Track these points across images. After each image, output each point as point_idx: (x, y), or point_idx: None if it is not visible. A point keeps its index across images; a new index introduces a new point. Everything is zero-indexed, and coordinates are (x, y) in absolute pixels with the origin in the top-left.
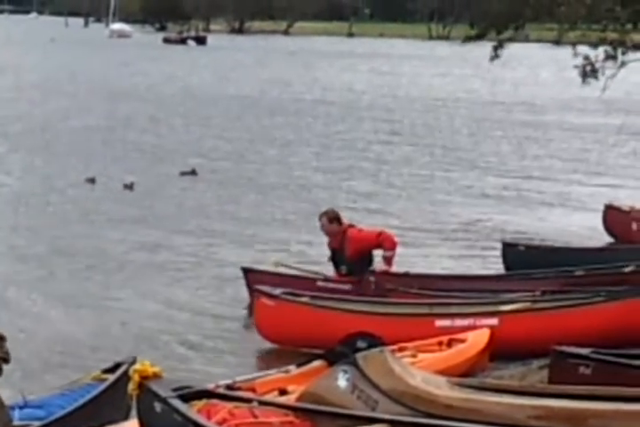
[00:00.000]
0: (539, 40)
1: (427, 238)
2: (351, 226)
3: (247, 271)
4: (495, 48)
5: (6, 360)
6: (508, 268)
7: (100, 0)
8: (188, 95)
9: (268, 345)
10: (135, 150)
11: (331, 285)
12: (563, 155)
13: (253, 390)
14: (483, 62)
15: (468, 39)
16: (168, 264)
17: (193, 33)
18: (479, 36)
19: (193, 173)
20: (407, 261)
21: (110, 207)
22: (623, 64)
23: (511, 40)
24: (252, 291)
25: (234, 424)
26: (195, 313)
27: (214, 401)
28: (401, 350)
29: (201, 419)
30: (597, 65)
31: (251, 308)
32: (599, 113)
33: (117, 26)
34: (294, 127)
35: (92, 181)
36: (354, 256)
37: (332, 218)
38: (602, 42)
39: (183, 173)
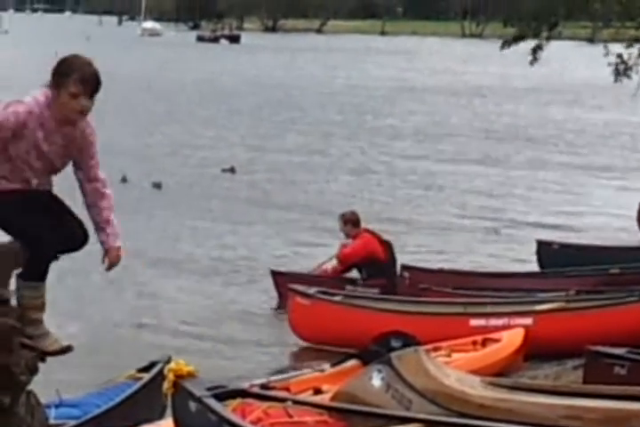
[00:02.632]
0: (572, 38)
1: (461, 235)
2: (367, 230)
3: (275, 274)
4: (534, 51)
5: (42, 359)
6: (542, 266)
7: None
8: (227, 92)
9: (302, 344)
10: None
11: (359, 289)
12: (600, 153)
13: (288, 389)
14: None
15: (507, 44)
16: (201, 263)
17: (226, 31)
18: (517, 39)
19: (232, 170)
20: (441, 257)
21: (143, 204)
22: None
23: (548, 39)
24: (280, 292)
25: (268, 424)
26: (228, 313)
27: (249, 400)
28: (435, 349)
29: (236, 418)
30: (630, 62)
31: (278, 309)
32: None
33: (149, 24)
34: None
35: (124, 179)
36: (363, 260)
37: (347, 220)
38: (636, 40)
39: (224, 171)
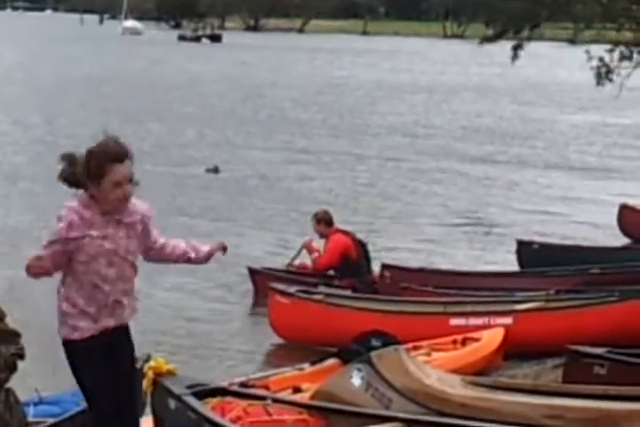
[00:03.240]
0: (553, 39)
1: (442, 235)
2: (337, 231)
3: (253, 271)
4: (515, 49)
5: (21, 356)
6: (522, 266)
7: None
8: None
9: (282, 343)
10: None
11: (332, 289)
12: (581, 153)
13: (267, 387)
14: (497, 59)
15: (485, 40)
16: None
17: (208, 31)
18: (496, 37)
19: (215, 170)
20: (423, 257)
21: None
22: (639, 64)
23: (528, 39)
24: (257, 290)
25: (248, 422)
26: (208, 310)
27: (228, 399)
28: (415, 348)
29: (215, 416)
30: (612, 65)
31: (255, 306)
32: (614, 112)
33: (130, 23)
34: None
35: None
36: (334, 260)
37: (320, 219)
38: (617, 42)
39: (207, 170)
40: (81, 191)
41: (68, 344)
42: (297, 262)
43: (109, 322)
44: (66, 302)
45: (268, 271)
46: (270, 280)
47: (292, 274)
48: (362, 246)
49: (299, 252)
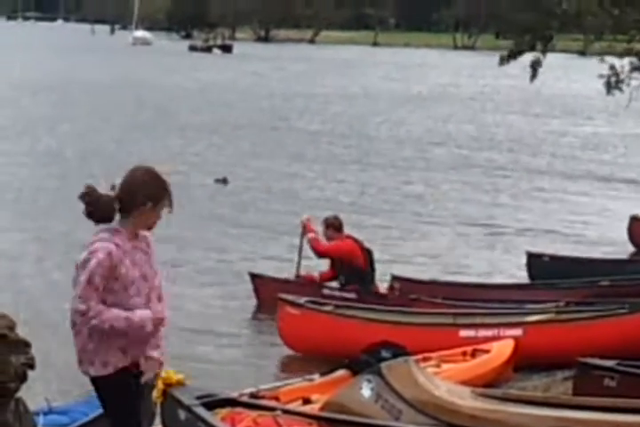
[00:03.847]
0: (564, 50)
1: (451, 246)
2: (349, 237)
3: (254, 277)
4: (533, 67)
5: (31, 366)
6: (532, 278)
7: (126, 7)
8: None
9: (291, 354)
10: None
11: (336, 293)
12: (593, 164)
13: (277, 398)
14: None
15: (504, 60)
16: (191, 269)
17: (219, 41)
18: (515, 55)
19: (224, 181)
20: (432, 268)
21: None
22: None
23: (544, 52)
24: (258, 296)
25: None
26: (218, 320)
27: (238, 409)
28: (425, 360)
29: None
30: (622, 76)
31: (259, 313)
32: (625, 123)
33: (140, 33)
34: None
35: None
36: (341, 260)
37: (329, 225)
38: (627, 53)
39: (217, 181)
40: (101, 225)
41: (98, 380)
42: (303, 273)
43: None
44: (107, 316)
45: (269, 277)
46: (271, 286)
47: (293, 281)
48: (369, 255)
49: (300, 251)
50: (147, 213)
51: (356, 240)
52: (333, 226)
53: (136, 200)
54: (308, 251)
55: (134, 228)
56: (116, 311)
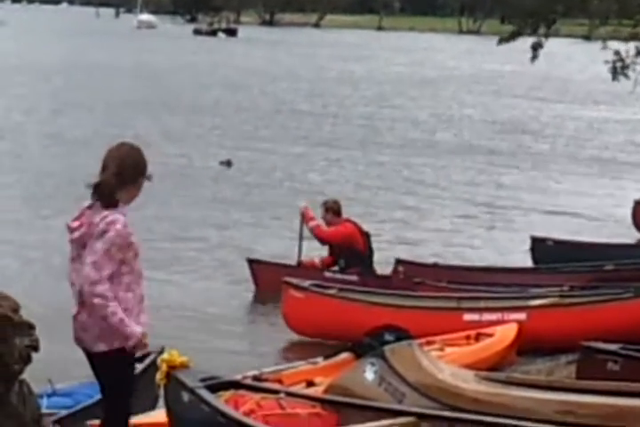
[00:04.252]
0: (569, 35)
1: (456, 230)
2: (348, 220)
3: (252, 262)
4: (534, 48)
5: (35, 348)
6: (536, 262)
7: None
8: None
9: (295, 337)
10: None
11: (338, 276)
12: (594, 148)
13: (280, 381)
14: (513, 55)
15: (504, 40)
16: (195, 253)
17: (224, 25)
18: (514, 36)
19: (228, 163)
20: (436, 252)
21: None
22: None
23: (546, 36)
24: (256, 281)
25: (261, 415)
26: (221, 304)
27: (242, 392)
28: (429, 343)
29: (228, 409)
30: (628, 61)
31: (260, 297)
32: (629, 108)
33: (145, 17)
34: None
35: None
36: (342, 245)
37: (329, 208)
38: (633, 37)
39: (221, 163)
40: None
41: (120, 353)
42: (305, 259)
43: (145, 319)
44: (114, 309)
45: (267, 262)
46: (269, 271)
47: (291, 266)
48: (367, 238)
49: (300, 238)
50: (137, 188)
51: (355, 224)
52: (333, 210)
53: (131, 175)
54: (308, 238)
55: (128, 202)
56: (119, 311)
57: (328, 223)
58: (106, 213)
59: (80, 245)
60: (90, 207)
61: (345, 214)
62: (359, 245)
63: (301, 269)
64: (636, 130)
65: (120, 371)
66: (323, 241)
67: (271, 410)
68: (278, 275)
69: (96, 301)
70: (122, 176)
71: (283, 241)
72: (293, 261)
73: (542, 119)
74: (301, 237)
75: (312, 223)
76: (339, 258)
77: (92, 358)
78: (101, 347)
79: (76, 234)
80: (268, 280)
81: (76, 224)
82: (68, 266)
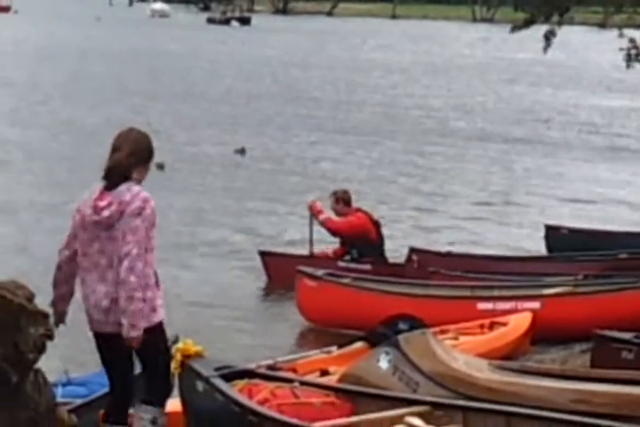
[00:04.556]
0: (583, 23)
1: (470, 218)
2: (358, 210)
3: (264, 254)
4: (547, 37)
5: (50, 337)
6: (550, 250)
7: None
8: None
9: (309, 326)
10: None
11: (351, 265)
12: (609, 136)
13: (295, 370)
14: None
15: (517, 28)
16: (208, 243)
17: (237, 13)
18: (527, 24)
19: (242, 151)
20: (450, 240)
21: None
22: None
23: (560, 24)
24: (268, 273)
25: (275, 404)
26: (235, 293)
27: (256, 381)
28: (443, 332)
29: (243, 398)
30: None
31: (268, 289)
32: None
33: (158, 5)
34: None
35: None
36: (356, 236)
37: (339, 198)
38: None
39: (235, 151)
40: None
41: (159, 326)
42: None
43: (160, 302)
44: (140, 296)
45: (279, 254)
46: (281, 263)
47: (303, 257)
48: (378, 227)
49: (311, 232)
50: (147, 169)
51: (365, 213)
52: (343, 200)
53: (144, 156)
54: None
55: (139, 183)
56: (142, 300)
57: (338, 214)
58: (136, 188)
59: (107, 224)
60: (109, 188)
61: (359, 202)
62: (372, 235)
63: (314, 259)
64: None
65: (160, 342)
66: (335, 233)
67: (285, 399)
68: (291, 266)
69: (132, 279)
70: (136, 156)
71: (297, 229)
72: (307, 250)
73: (556, 107)
74: (312, 230)
75: (322, 216)
76: (351, 248)
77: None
78: (142, 324)
79: (106, 213)
80: (281, 271)
81: (103, 203)
82: (73, 249)
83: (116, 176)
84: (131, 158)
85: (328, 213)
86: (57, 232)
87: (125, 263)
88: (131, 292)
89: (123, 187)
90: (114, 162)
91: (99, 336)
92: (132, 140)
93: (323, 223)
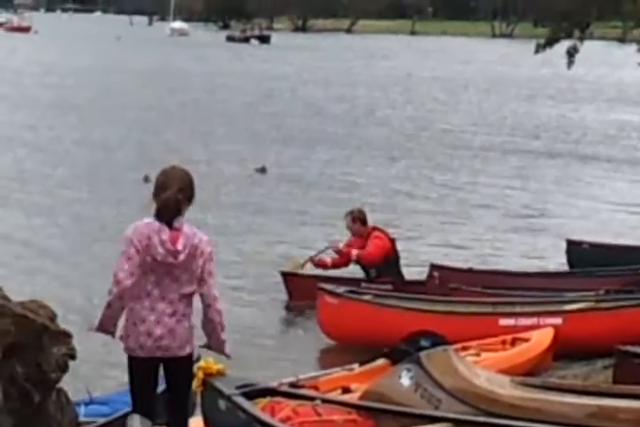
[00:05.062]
0: (602, 38)
1: (490, 234)
2: (375, 228)
3: (286, 275)
4: (570, 54)
5: (73, 357)
6: (571, 265)
7: None
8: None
9: (331, 343)
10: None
11: (373, 286)
12: (632, 151)
13: (316, 388)
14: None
15: (541, 47)
16: (228, 261)
17: (256, 31)
18: (551, 42)
19: (263, 170)
20: (471, 256)
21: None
22: None
23: (581, 39)
24: (290, 293)
25: (297, 422)
26: (256, 311)
27: (278, 399)
28: (464, 349)
29: (265, 416)
30: None
31: (289, 309)
32: None
33: (177, 24)
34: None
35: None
36: (377, 259)
37: (356, 218)
38: None
39: (256, 170)
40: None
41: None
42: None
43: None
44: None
45: (301, 274)
46: (303, 283)
47: (326, 278)
48: (394, 244)
49: (324, 250)
50: (189, 205)
51: (382, 231)
52: (360, 219)
53: (191, 192)
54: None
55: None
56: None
57: (355, 233)
58: (197, 231)
59: (183, 268)
60: (174, 228)
61: (377, 220)
62: (391, 255)
63: (334, 280)
64: None
65: (191, 370)
66: (372, 265)
67: (307, 417)
68: (312, 286)
69: (218, 318)
70: (185, 193)
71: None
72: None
73: (576, 122)
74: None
75: (355, 253)
76: (369, 268)
77: (173, 362)
78: (187, 350)
79: (182, 257)
80: (302, 292)
81: (179, 247)
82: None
83: (170, 213)
84: (180, 195)
85: (342, 245)
86: (74, 252)
87: (218, 306)
88: (222, 325)
89: (186, 229)
90: (167, 200)
91: (146, 360)
92: (178, 177)
93: (358, 259)
